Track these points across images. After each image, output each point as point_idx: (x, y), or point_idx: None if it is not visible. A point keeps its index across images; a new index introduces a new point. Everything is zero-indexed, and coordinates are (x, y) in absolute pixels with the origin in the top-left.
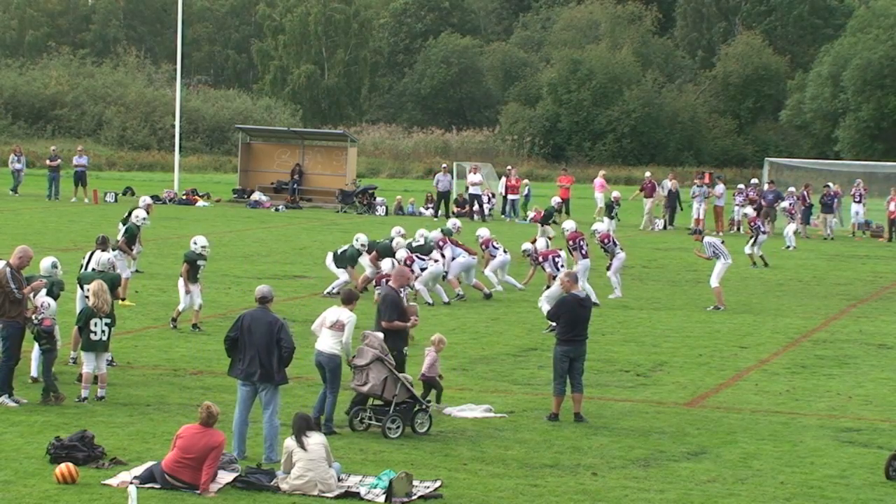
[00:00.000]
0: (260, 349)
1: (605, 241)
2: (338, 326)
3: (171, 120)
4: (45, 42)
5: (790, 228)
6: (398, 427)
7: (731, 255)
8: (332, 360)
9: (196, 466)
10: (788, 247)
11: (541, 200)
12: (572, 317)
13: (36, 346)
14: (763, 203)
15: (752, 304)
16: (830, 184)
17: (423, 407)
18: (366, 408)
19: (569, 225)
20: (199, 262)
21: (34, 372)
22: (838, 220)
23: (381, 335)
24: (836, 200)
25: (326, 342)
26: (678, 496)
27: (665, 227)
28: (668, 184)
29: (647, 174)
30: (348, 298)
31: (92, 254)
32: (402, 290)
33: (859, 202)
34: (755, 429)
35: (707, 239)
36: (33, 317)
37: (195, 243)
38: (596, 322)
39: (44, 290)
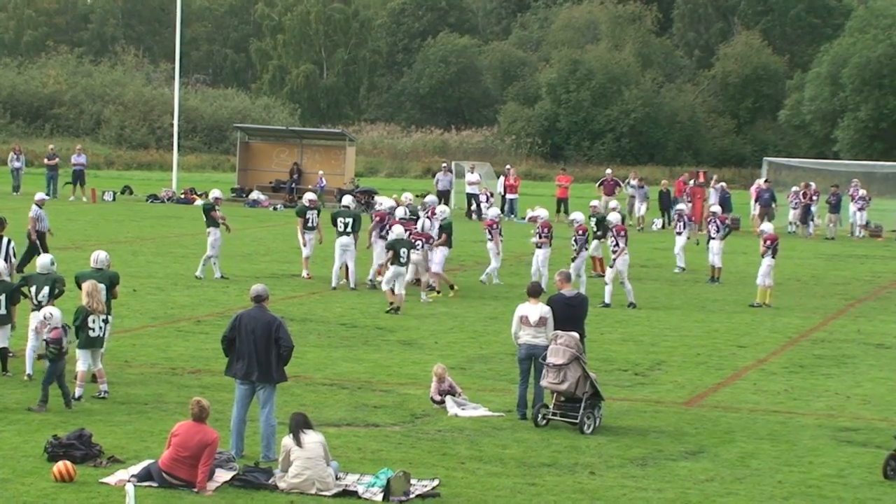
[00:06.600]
0: (258, 348)
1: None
2: (542, 322)
3: (169, 119)
4: (43, 41)
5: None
6: (592, 423)
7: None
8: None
9: (192, 463)
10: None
11: (539, 200)
12: (558, 316)
13: (30, 343)
14: (760, 203)
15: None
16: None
17: (599, 404)
18: (546, 404)
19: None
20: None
21: (29, 370)
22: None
23: (576, 335)
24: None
25: (536, 338)
26: (676, 495)
27: (663, 227)
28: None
29: (608, 171)
30: (536, 291)
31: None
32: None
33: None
34: (753, 428)
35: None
36: (43, 331)
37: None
38: (594, 321)
39: (46, 290)
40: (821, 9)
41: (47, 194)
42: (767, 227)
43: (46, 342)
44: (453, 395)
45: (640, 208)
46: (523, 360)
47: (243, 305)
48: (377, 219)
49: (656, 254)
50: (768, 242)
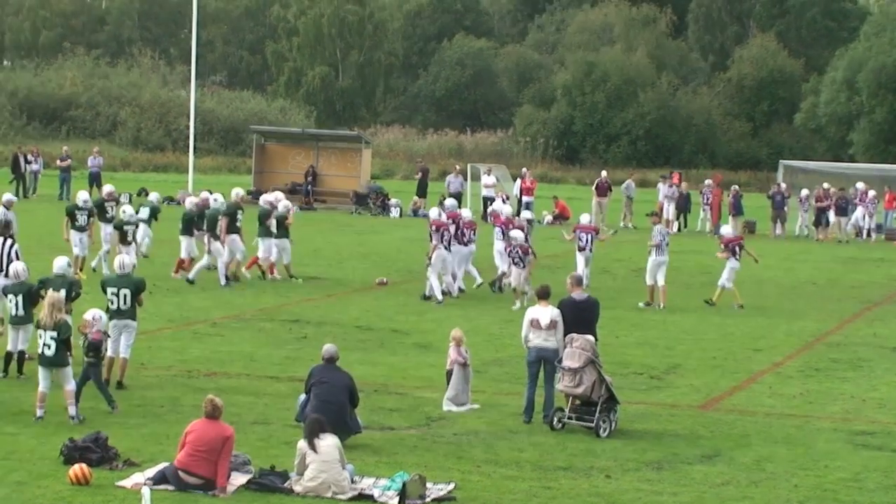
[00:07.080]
0: (335, 406)
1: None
2: (552, 325)
3: (185, 121)
4: (59, 43)
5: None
6: (608, 426)
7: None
8: (557, 354)
9: (210, 458)
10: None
11: (548, 204)
12: (568, 319)
13: None
14: (772, 206)
15: (766, 307)
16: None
17: (614, 407)
18: (563, 408)
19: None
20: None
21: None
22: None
23: (591, 338)
24: (850, 204)
25: (547, 340)
26: (692, 499)
27: (679, 230)
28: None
29: (603, 173)
30: (546, 294)
31: None
32: None
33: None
34: (769, 432)
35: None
36: (87, 332)
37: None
38: (609, 325)
39: (62, 293)
40: (837, 12)
41: (60, 197)
42: (725, 230)
43: (86, 342)
44: (464, 365)
45: (628, 219)
46: (532, 364)
47: (258, 308)
48: (433, 227)
49: (672, 257)
50: (724, 246)
